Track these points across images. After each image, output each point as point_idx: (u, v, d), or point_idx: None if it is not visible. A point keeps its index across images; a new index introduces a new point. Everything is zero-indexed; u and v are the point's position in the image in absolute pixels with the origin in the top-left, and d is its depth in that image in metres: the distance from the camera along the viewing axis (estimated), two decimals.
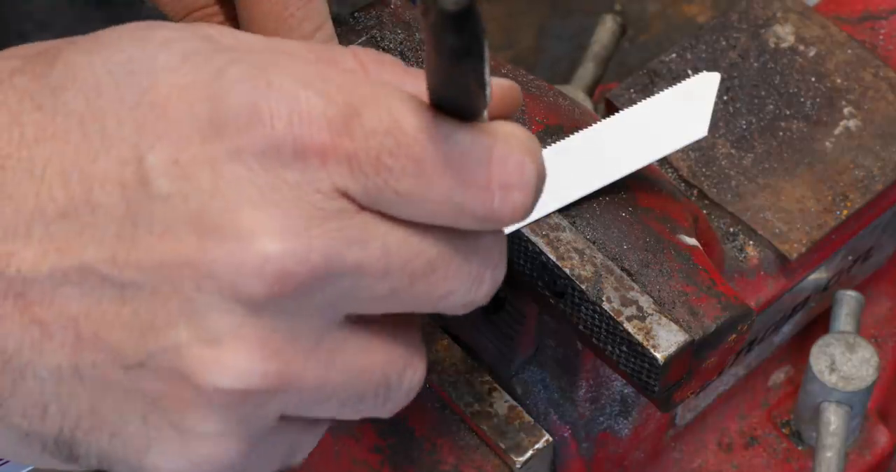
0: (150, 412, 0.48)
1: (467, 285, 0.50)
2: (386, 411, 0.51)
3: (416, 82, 0.51)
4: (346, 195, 0.47)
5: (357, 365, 0.49)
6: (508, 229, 0.62)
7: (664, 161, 0.76)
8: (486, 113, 0.48)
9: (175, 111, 0.47)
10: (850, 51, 0.80)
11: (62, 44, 0.50)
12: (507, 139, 0.48)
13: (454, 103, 0.47)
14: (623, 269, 0.61)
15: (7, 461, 0.58)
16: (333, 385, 0.49)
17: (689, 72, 0.79)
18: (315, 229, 0.46)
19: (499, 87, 0.51)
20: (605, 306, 0.61)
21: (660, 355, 0.60)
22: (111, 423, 0.48)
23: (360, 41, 0.68)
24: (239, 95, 0.46)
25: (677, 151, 0.73)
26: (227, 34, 0.50)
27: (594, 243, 0.62)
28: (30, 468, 0.58)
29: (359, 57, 0.51)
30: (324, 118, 0.46)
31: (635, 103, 0.65)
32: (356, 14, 0.69)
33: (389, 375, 0.50)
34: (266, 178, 0.46)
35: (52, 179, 0.47)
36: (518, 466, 0.68)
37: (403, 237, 0.48)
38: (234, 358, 0.46)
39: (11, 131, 0.47)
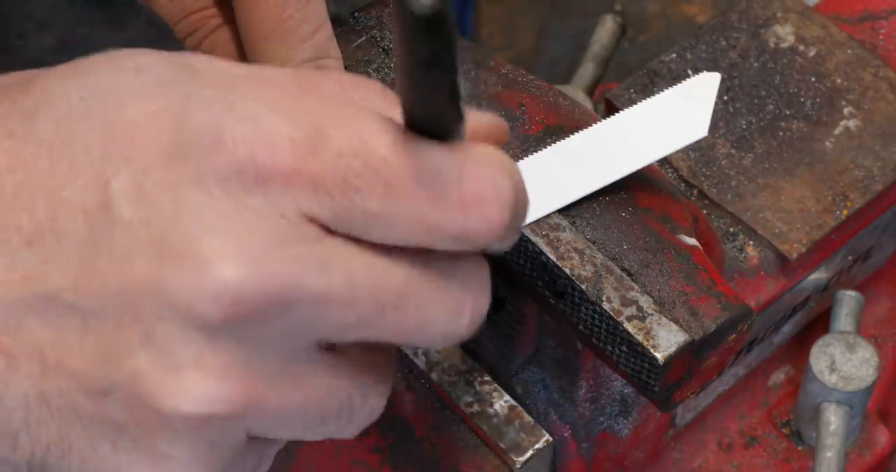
0: (119, 437, 0.47)
1: (445, 315, 0.48)
2: (349, 432, 0.51)
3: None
4: (313, 220, 0.46)
5: (322, 390, 0.49)
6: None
7: (664, 161, 0.76)
8: (463, 132, 0.47)
9: (142, 137, 0.47)
10: (850, 51, 0.80)
11: (40, 71, 0.50)
12: (479, 157, 0.47)
13: (427, 120, 0.46)
14: (623, 269, 0.61)
15: None
16: (297, 410, 0.48)
17: (689, 72, 0.79)
18: (274, 255, 0.45)
19: (485, 121, 0.51)
20: (605, 306, 0.61)
21: (660, 355, 0.60)
22: (81, 449, 0.48)
23: (359, 41, 0.68)
24: (202, 118, 0.46)
25: (677, 151, 0.73)
26: (207, 62, 0.49)
27: (594, 243, 0.62)
28: None
29: (341, 82, 0.50)
30: (287, 141, 0.46)
31: (635, 103, 0.65)
32: (356, 14, 0.69)
33: (354, 398, 0.50)
34: (227, 204, 0.46)
35: (20, 206, 0.47)
36: (518, 466, 0.68)
37: (370, 263, 0.47)
38: (195, 385, 0.46)
39: None
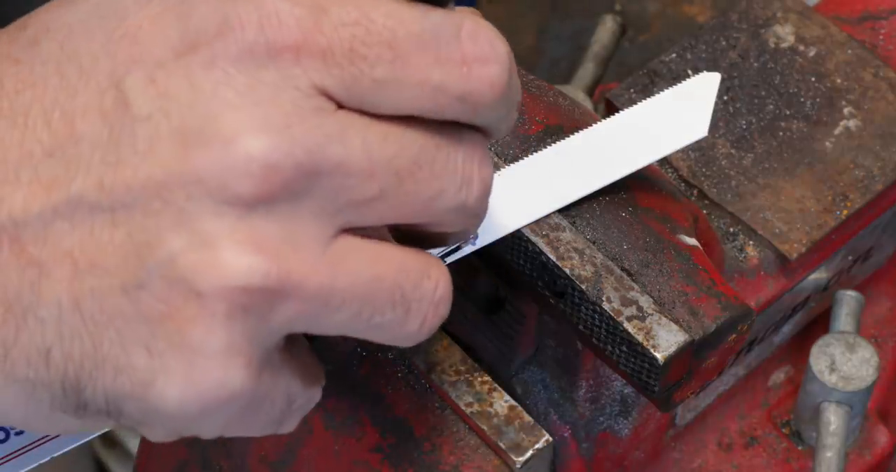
0: (153, 339, 0.47)
1: (456, 183, 0.50)
2: (411, 326, 0.51)
3: None
4: (324, 93, 0.48)
5: (365, 272, 0.49)
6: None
7: (664, 161, 0.76)
8: (452, 4, 0.49)
9: (146, 37, 0.48)
10: (850, 51, 0.80)
11: (32, 12, 0.51)
12: (473, 20, 0.49)
13: None
14: (623, 269, 0.61)
15: (48, 438, 0.58)
16: (341, 292, 0.49)
17: (689, 72, 0.79)
18: (295, 126, 0.47)
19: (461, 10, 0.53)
20: (605, 306, 0.61)
21: (660, 355, 0.60)
22: (114, 358, 0.48)
23: None
24: (206, 10, 0.48)
25: (677, 151, 0.73)
26: None
27: (594, 243, 0.62)
28: (73, 445, 0.58)
29: None
30: (292, 18, 0.47)
31: (635, 103, 0.65)
32: None
33: (403, 284, 0.50)
34: (242, 80, 0.47)
35: (35, 123, 0.48)
36: (518, 466, 0.68)
37: (384, 133, 0.49)
38: (231, 258, 0.47)
39: None
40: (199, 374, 0.48)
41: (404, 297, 0.50)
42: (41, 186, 0.47)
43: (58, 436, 0.58)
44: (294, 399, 0.52)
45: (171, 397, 0.48)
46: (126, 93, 0.47)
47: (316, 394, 0.54)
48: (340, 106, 0.48)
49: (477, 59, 0.49)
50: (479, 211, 0.52)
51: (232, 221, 0.47)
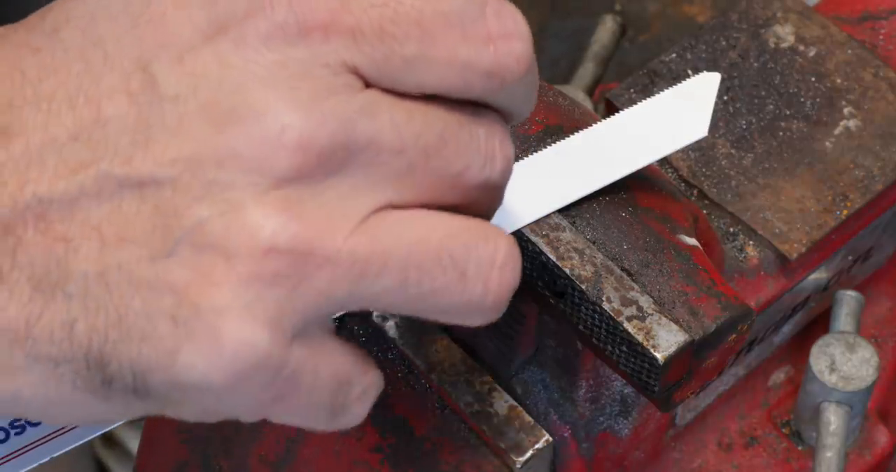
0: (179, 308, 0.47)
1: (480, 159, 0.51)
2: (472, 292, 0.50)
3: None
4: (353, 71, 0.48)
5: (406, 235, 0.49)
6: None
7: (664, 161, 0.76)
8: None
9: (173, 22, 0.48)
10: (850, 51, 0.80)
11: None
12: None
13: None
14: (623, 269, 0.61)
15: (48, 438, 0.58)
16: (380, 257, 0.48)
17: (689, 72, 0.79)
18: (325, 102, 0.47)
19: None
20: (605, 306, 0.61)
21: (660, 355, 0.60)
22: (139, 329, 0.47)
23: None
24: None
25: (677, 151, 0.73)
26: None
27: (594, 243, 0.62)
28: (73, 445, 0.58)
29: None
30: None
31: (635, 103, 0.65)
32: None
33: (451, 245, 0.49)
34: (273, 57, 0.47)
35: (59, 108, 0.48)
36: (518, 466, 0.68)
37: (409, 111, 0.49)
38: (259, 219, 0.47)
39: (13, 77, 0.48)
40: (223, 339, 0.47)
41: (454, 258, 0.49)
42: (67, 168, 0.47)
43: (58, 436, 0.58)
44: (349, 384, 0.51)
45: (197, 365, 0.47)
46: (154, 74, 0.47)
47: (376, 379, 0.52)
48: (367, 85, 0.49)
49: (502, 35, 0.50)
50: (502, 187, 0.52)
51: (263, 190, 0.47)
